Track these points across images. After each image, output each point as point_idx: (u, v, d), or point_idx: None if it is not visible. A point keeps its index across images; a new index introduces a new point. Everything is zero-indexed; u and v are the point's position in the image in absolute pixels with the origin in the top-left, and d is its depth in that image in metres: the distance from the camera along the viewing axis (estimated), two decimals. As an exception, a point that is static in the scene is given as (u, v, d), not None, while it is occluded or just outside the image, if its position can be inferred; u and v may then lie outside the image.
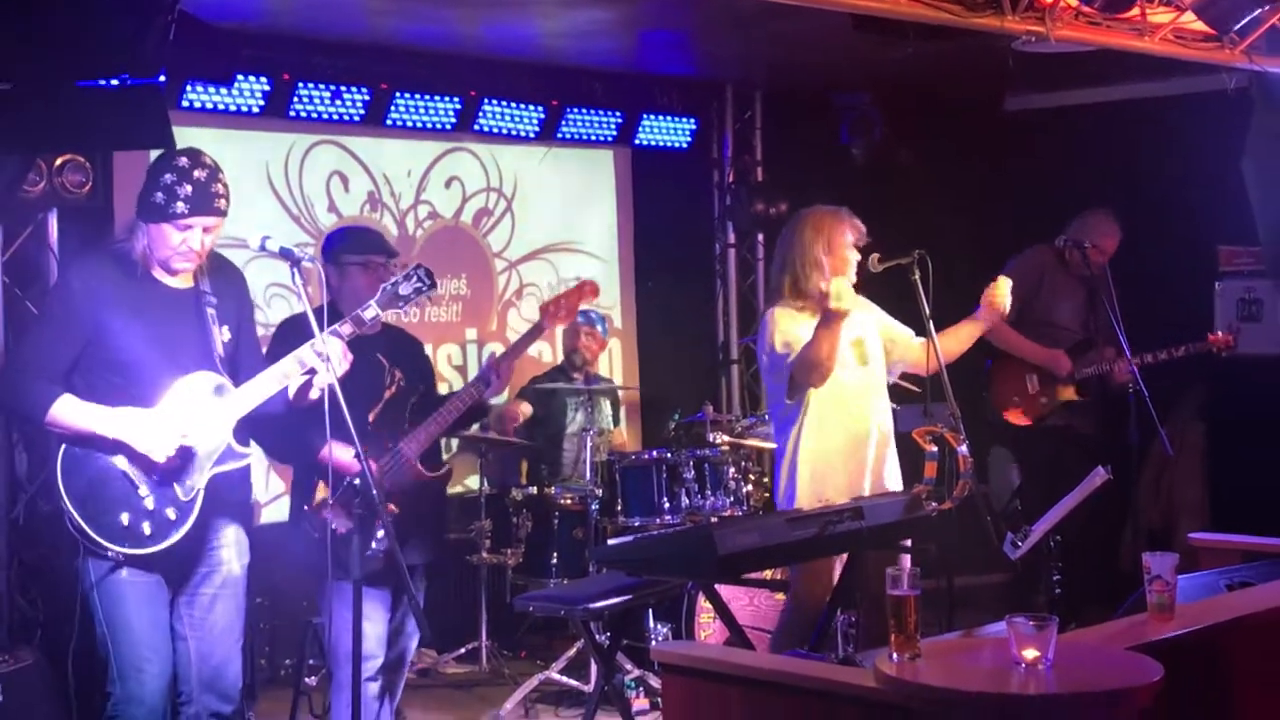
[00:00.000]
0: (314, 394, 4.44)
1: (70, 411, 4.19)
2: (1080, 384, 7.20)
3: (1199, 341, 7.14)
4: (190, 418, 4.29)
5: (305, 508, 4.74)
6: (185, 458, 4.28)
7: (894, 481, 5.58)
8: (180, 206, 4.27)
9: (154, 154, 4.54)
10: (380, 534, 4.70)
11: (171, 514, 4.27)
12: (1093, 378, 7.15)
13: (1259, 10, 5.17)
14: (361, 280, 5.10)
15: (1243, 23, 5.39)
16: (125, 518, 4.22)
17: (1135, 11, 5.41)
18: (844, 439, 5.52)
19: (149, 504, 4.24)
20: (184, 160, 4.30)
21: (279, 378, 4.40)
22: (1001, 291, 5.54)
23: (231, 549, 4.50)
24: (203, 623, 4.46)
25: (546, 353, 8.28)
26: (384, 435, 5.05)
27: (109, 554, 4.22)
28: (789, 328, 5.45)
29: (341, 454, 4.65)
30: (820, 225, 5.53)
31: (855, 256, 5.51)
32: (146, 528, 4.23)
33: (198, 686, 4.45)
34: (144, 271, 4.36)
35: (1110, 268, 7.08)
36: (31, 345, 4.39)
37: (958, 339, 5.63)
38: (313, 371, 4.40)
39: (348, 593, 4.42)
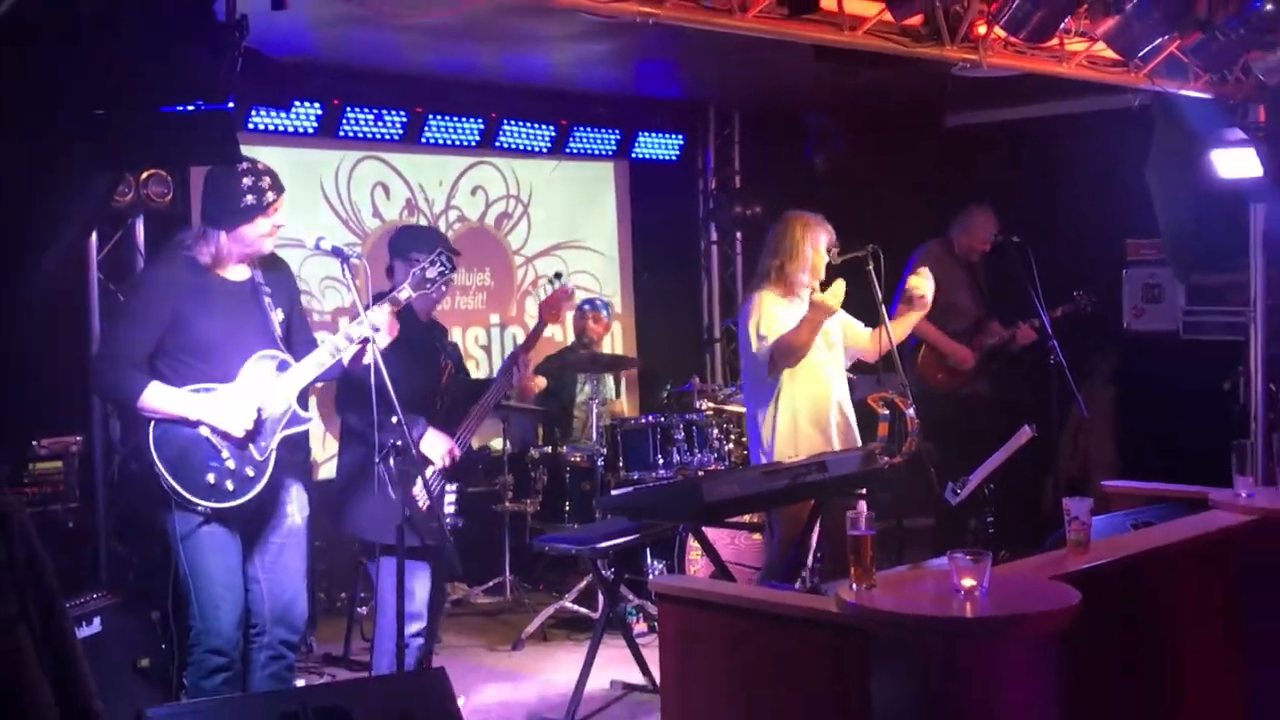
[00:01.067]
0: (366, 359, 4.40)
1: (158, 398, 4.20)
2: (987, 355, 7.18)
3: (1068, 304, 7.10)
4: (261, 391, 4.31)
5: (386, 476, 4.70)
6: (259, 424, 4.29)
7: (853, 442, 5.59)
8: (270, 196, 4.30)
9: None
10: (450, 511, 4.76)
11: (250, 472, 4.29)
12: (996, 348, 7.14)
13: (1160, 39, 5.16)
14: (402, 272, 5.06)
15: (1146, 50, 5.37)
16: (211, 477, 4.23)
17: (1055, 41, 5.39)
18: (811, 407, 5.53)
19: (231, 465, 4.26)
20: (244, 164, 4.30)
21: (332, 351, 4.41)
22: (925, 284, 5.52)
23: (295, 504, 4.52)
24: (273, 566, 4.47)
25: (558, 334, 8.28)
26: (448, 419, 5.05)
27: (199, 509, 4.23)
28: (771, 312, 5.46)
29: (436, 445, 4.78)
30: (809, 226, 5.55)
31: (825, 258, 5.53)
32: (230, 485, 4.25)
33: (269, 620, 4.47)
34: (209, 270, 4.36)
35: (1035, 255, 7.05)
36: (118, 338, 4.40)
37: (904, 325, 5.63)
38: (365, 342, 4.40)
39: (393, 564, 4.48)
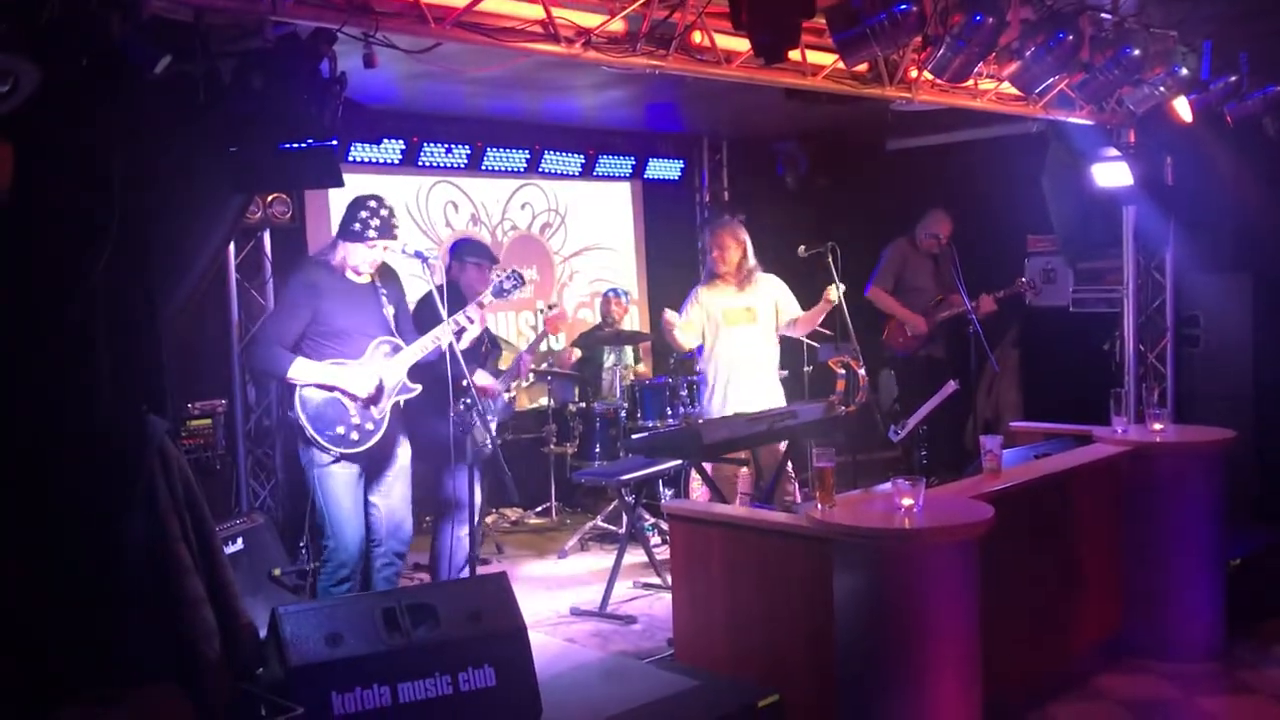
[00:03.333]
0: (461, 345, 4.51)
1: (303, 370, 4.28)
2: (939, 324, 7.17)
3: (1012, 286, 7.13)
4: (381, 367, 4.39)
5: (453, 413, 4.73)
6: (379, 391, 4.35)
7: (777, 398, 5.61)
8: (372, 233, 4.37)
9: (333, 193, 4.57)
10: (491, 435, 4.79)
11: (370, 426, 4.36)
12: (949, 319, 7.13)
13: (1052, 78, 5.11)
14: (474, 274, 5.21)
15: (1041, 87, 5.32)
16: (341, 429, 4.31)
17: (971, 81, 5.34)
18: (735, 370, 5.55)
19: (356, 420, 4.33)
20: (373, 201, 4.39)
21: (434, 339, 4.46)
22: (834, 293, 5.46)
23: (403, 449, 4.59)
24: (388, 494, 4.55)
25: (590, 316, 8.28)
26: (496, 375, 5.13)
27: (331, 452, 4.29)
28: (690, 305, 5.64)
29: (483, 380, 4.93)
30: (728, 228, 5.72)
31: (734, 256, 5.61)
32: (355, 435, 4.33)
33: (386, 535, 4.54)
34: (340, 273, 4.41)
35: (957, 248, 7.04)
36: (272, 325, 4.47)
37: (817, 313, 5.57)
38: (462, 330, 4.54)
39: (463, 472, 4.50)
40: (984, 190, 7.65)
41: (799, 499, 5.74)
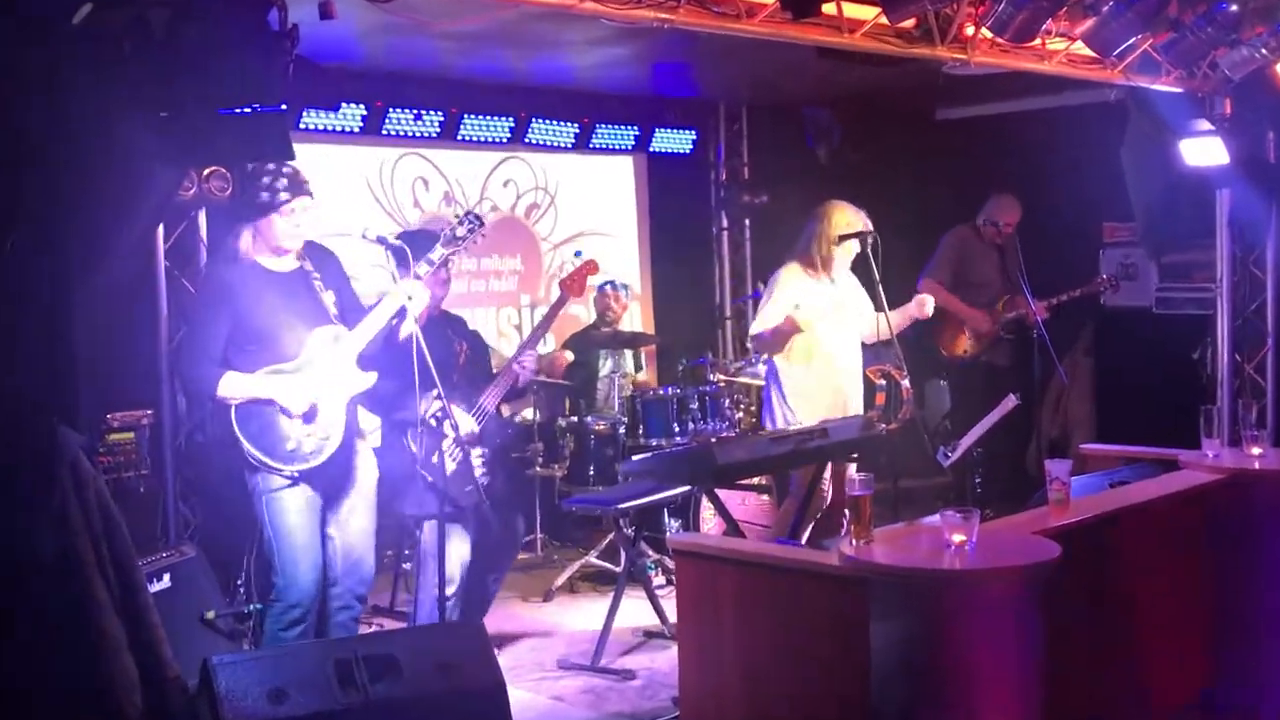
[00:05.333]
0: (402, 335, 4.48)
1: (232, 386, 4.30)
2: (1004, 325, 7.19)
3: (1088, 285, 7.16)
4: (323, 362, 4.38)
5: (414, 449, 4.74)
6: (324, 392, 4.35)
7: (858, 409, 5.63)
8: (283, 196, 4.34)
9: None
10: (478, 473, 4.77)
11: (323, 434, 4.37)
12: (1014, 320, 7.14)
13: (1134, 38, 5.12)
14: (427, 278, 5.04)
15: (1121, 48, 5.33)
16: (290, 443, 4.32)
17: (1037, 41, 5.35)
18: (821, 379, 5.56)
19: (307, 430, 4.34)
20: (270, 165, 4.37)
21: (381, 317, 4.44)
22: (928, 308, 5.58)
23: (365, 466, 4.59)
24: (346, 525, 4.54)
25: (583, 313, 8.28)
26: (468, 391, 5.07)
27: (284, 473, 4.31)
28: (778, 294, 5.49)
29: (462, 422, 4.79)
30: (844, 214, 5.61)
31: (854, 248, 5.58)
32: (308, 446, 4.33)
33: (342, 573, 4.54)
34: (253, 264, 4.42)
35: (1020, 238, 7.05)
36: (191, 340, 4.52)
37: (900, 318, 5.64)
38: (402, 313, 4.44)
39: (444, 527, 4.53)
40: (1051, 170, 7.66)
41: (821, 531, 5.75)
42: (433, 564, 4.69)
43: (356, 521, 4.56)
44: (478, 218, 4.72)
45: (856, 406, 5.61)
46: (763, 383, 6.10)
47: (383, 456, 4.85)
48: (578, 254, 6.25)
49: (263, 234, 4.40)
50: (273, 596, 4.43)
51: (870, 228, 5.51)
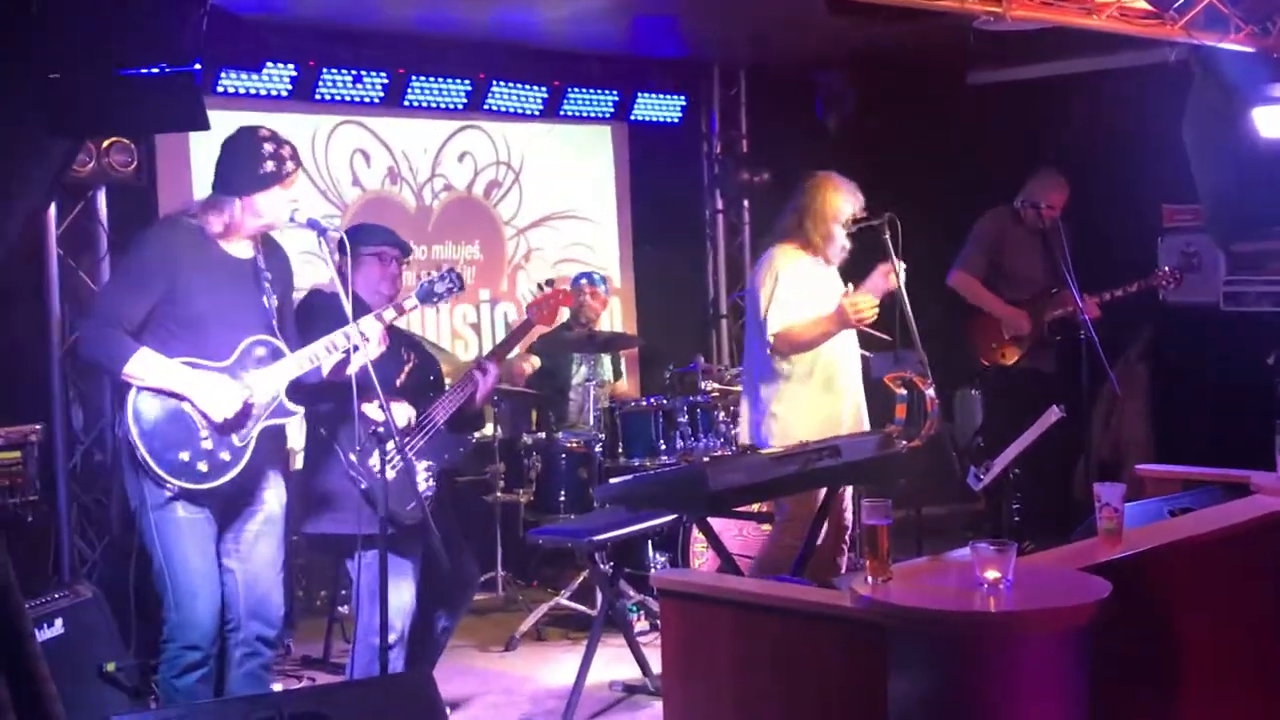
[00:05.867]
0: (350, 370, 4.48)
1: (146, 365, 4.25)
2: (1048, 326, 7.21)
3: (1147, 278, 7.16)
4: (253, 377, 4.39)
5: (351, 456, 4.74)
6: (244, 411, 4.35)
7: (863, 424, 5.63)
8: (289, 166, 4.42)
9: (193, 137, 4.55)
10: (423, 487, 4.76)
11: (226, 456, 4.34)
12: (1058, 319, 7.15)
13: (1197, -12, 5.14)
14: (375, 270, 5.01)
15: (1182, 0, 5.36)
16: (185, 455, 4.29)
17: (1084, -9, 5.39)
18: (819, 396, 5.57)
19: (207, 445, 4.32)
20: (264, 131, 4.45)
21: (311, 357, 4.45)
22: (865, 304, 5.45)
23: (273, 491, 4.57)
24: (248, 556, 4.52)
25: (553, 311, 8.28)
26: (418, 403, 5.06)
27: (167, 486, 4.28)
28: (786, 278, 5.48)
29: (397, 411, 4.75)
30: (839, 192, 5.61)
31: (844, 230, 5.60)
32: (203, 466, 4.31)
33: (245, 614, 4.51)
34: (214, 241, 4.42)
35: (1065, 224, 7.08)
36: (109, 301, 4.46)
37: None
38: (350, 350, 4.46)
39: (376, 562, 4.49)
40: (1102, 144, 7.70)
41: (843, 568, 5.74)
42: (372, 604, 4.67)
43: (261, 552, 4.53)
44: (458, 277, 4.81)
45: (862, 423, 5.62)
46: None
47: (310, 468, 4.83)
48: (549, 283, 6.22)
49: (254, 210, 4.42)
50: (164, 635, 4.39)
51: (864, 210, 5.51)
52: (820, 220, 5.58)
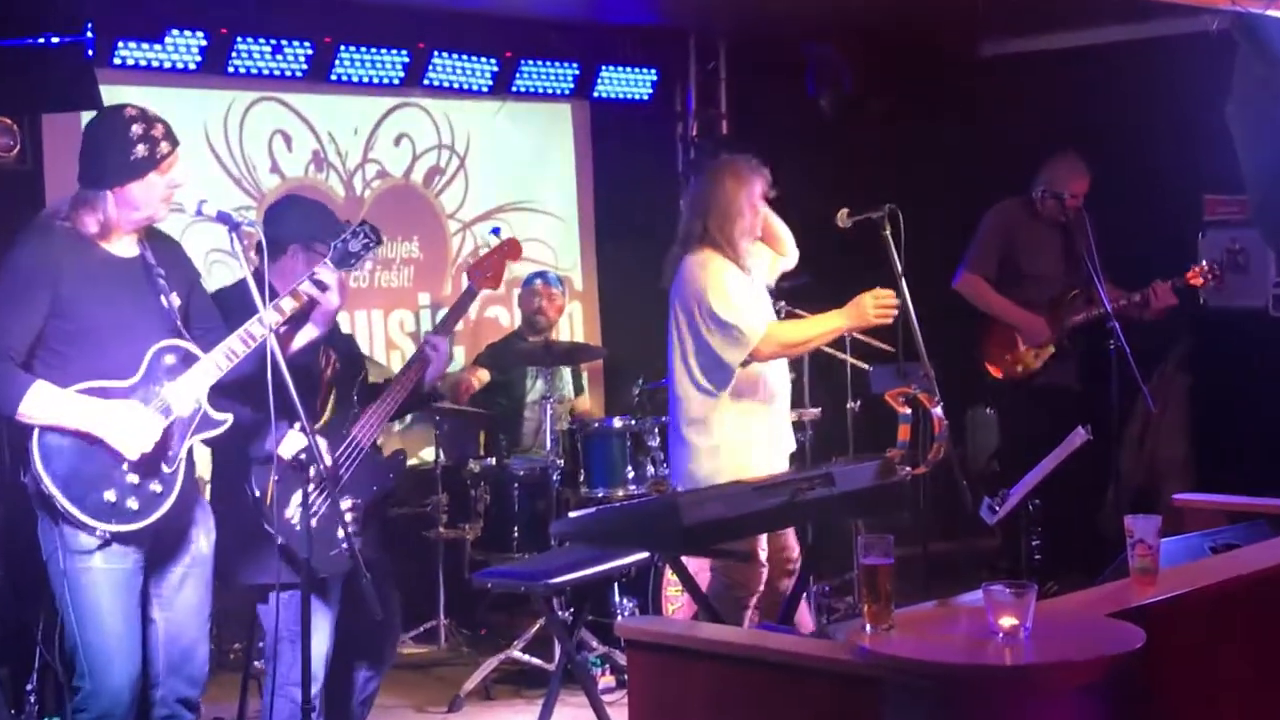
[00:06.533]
0: (296, 344, 4.57)
1: (43, 404, 4.20)
2: (1070, 333, 7.23)
3: (1183, 277, 7.18)
4: (167, 392, 4.35)
5: (258, 494, 4.72)
6: (166, 435, 4.33)
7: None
8: (164, 147, 4.35)
9: (85, 117, 4.52)
10: (342, 532, 4.74)
11: (157, 487, 4.32)
12: (1083, 326, 7.18)
13: (1242, -53, 5.17)
14: (302, 266, 4.96)
15: (1225, -39, 5.39)
16: (111, 495, 4.25)
17: (1113, -49, 5.42)
18: (758, 428, 5.60)
19: (133, 479, 4.28)
20: (130, 110, 4.38)
21: (227, 354, 4.42)
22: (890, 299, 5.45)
23: (201, 526, 4.57)
24: (172, 603, 4.50)
25: (504, 316, 8.28)
26: (336, 421, 5.04)
27: (97, 533, 4.24)
28: (730, 283, 5.49)
29: (296, 446, 4.68)
30: (740, 175, 5.61)
31: (764, 210, 5.64)
32: (133, 503, 4.28)
33: (165, 670, 4.50)
34: (94, 244, 4.39)
35: (1091, 215, 7.11)
36: None
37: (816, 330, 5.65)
38: (278, 337, 4.45)
39: (294, 602, 4.49)
40: (1133, 125, 7.73)
41: (810, 624, 5.74)
42: (292, 649, 4.66)
43: (187, 598, 4.52)
44: (374, 230, 4.75)
45: (783, 465, 5.65)
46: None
47: (218, 504, 4.81)
48: (495, 231, 6.19)
49: (129, 203, 4.37)
50: (75, 703, 4.36)
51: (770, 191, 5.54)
52: (724, 219, 5.57)
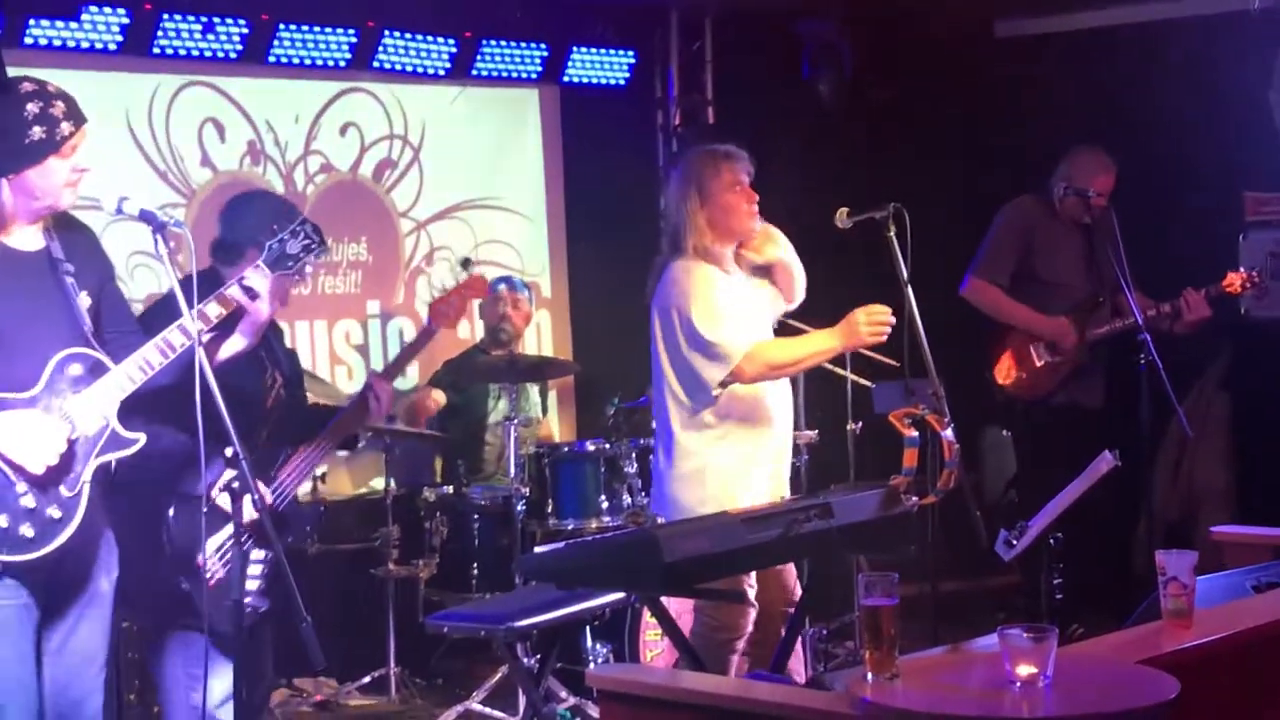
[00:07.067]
0: (223, 354, 4.56)
1: None
2: (1095, 345, 7.23)
3: (1214, 285, 7.16)
4: (71, 406, 4.31)
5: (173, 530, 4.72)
6: (70, 450, 4.29)
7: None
8: (65, 128, 4.31)
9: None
10: (252, 589, 4.75)
11: (55, 513, 4.26)
12: (1108, 338, 7.18)
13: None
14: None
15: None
16: (4, 520, 4.20)
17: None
18: (755, 453, 5.60)
19: (28, 502, 4.23)
20: (27, 85, 4.33)
21: (141, 365, 4.39)
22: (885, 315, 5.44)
23: (102, 562, 4.52)
24: (62, 648, 4.45)
25: (464, 328, 8.27)
26: (267, 458, 5.03)
27: None
28: (716, 294, 5.49)
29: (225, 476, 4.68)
30: (713, 167, 5.62)
31: (748, 197, 5.61)
32: (27, 530, 4.22)
33: None
34: None
35: (1118, 214, 7.12)
36: None
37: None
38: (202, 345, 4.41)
39: (197, 647, 4.48)
40: (1163, 113, 7.76)
41: (802, 673, 5.74)
42: (192, 698, 4.66)
43: (82, 640, 4.47)
44: (315, 229, 4.71)
45: (781, 495, 5.67)
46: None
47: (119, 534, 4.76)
48: (465, 262, 6.17)
49: (27, 191, 4.34)
50: None
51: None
52: (704, 220, 5.57)
